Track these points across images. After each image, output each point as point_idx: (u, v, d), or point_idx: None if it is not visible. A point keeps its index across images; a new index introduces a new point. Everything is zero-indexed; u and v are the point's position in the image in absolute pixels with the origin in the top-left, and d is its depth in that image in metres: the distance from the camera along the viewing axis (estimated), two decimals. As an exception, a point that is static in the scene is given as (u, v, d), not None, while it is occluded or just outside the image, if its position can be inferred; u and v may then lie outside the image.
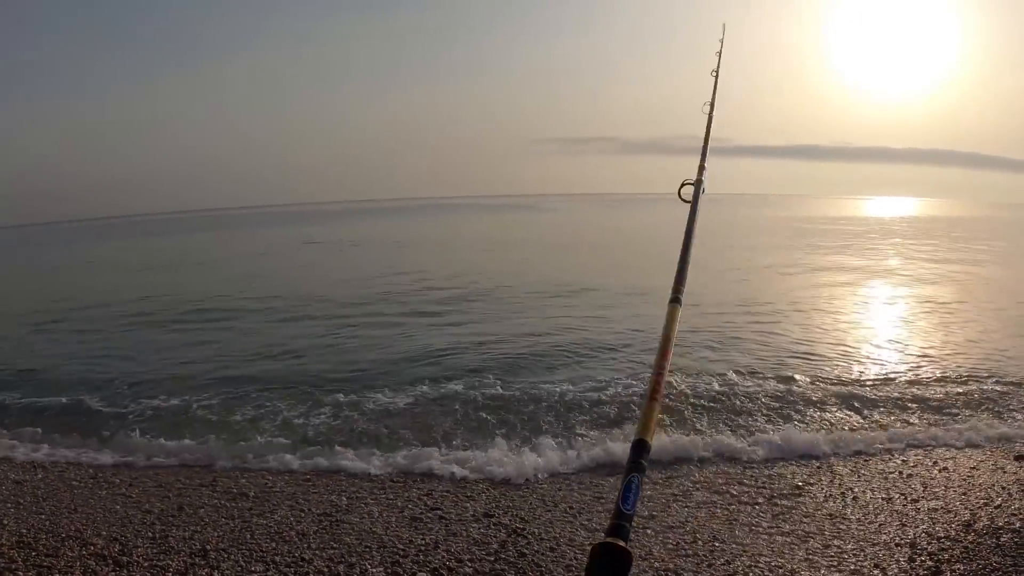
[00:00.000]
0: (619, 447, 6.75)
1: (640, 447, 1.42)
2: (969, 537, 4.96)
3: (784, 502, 5.74)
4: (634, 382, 9.16)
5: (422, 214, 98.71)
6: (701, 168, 2.88)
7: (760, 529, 5.22)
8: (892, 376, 9.63)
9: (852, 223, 58.15)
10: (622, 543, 1.21)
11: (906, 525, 5.21)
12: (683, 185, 2.60)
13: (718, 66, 3.89)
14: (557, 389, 8.92)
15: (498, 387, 9.28)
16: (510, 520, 5.52)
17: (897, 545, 4.89)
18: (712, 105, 3.47)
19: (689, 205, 2.54)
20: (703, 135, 3.16)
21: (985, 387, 8.93)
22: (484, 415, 8.21)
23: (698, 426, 7.61)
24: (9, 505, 6.24)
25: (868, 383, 9.32)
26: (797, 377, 9.51)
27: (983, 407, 8.19)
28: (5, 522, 5.84)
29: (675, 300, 1.92)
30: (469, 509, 5.79)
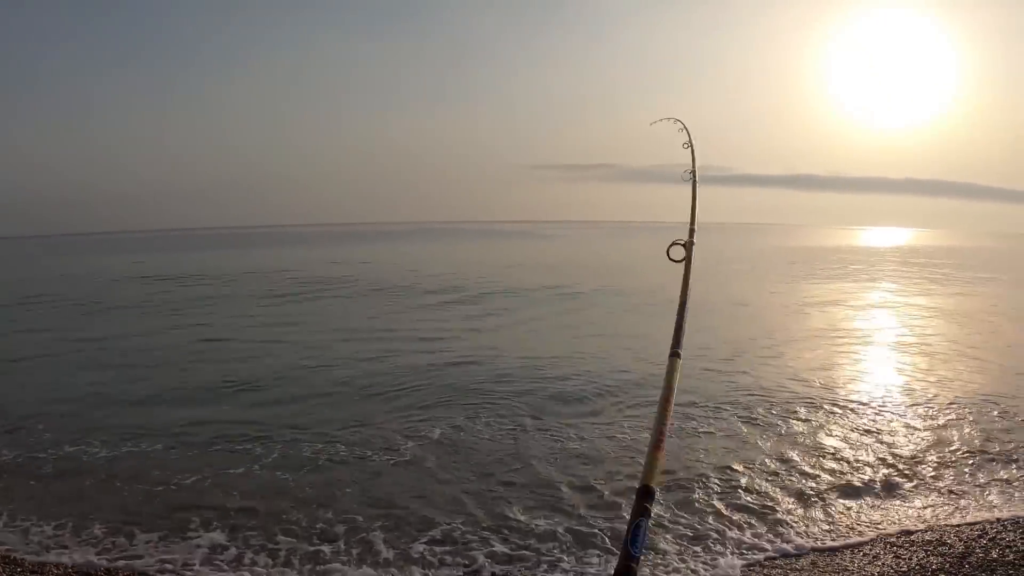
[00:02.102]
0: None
1: (646, 493, 1.47)
2: (964, 570, 4.93)
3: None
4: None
5: (424, 238, 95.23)
6: (691, 231, 3.07)
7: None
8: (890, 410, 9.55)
9: (869, 255, 53.08)
10: None
11: (900, 558, 5.19)
12: (672, 245, 2.69)
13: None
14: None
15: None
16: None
17: (892, 578, 4.86)
18: (694, 173, 3.96)
19: (681, 265, 2.66)
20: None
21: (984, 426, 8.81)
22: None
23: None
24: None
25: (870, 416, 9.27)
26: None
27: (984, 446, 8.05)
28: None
29: (675, 354, 2.04)
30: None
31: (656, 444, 1.62)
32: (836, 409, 9.27)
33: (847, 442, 7.98)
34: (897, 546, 5.38)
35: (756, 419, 8.76)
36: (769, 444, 7.85)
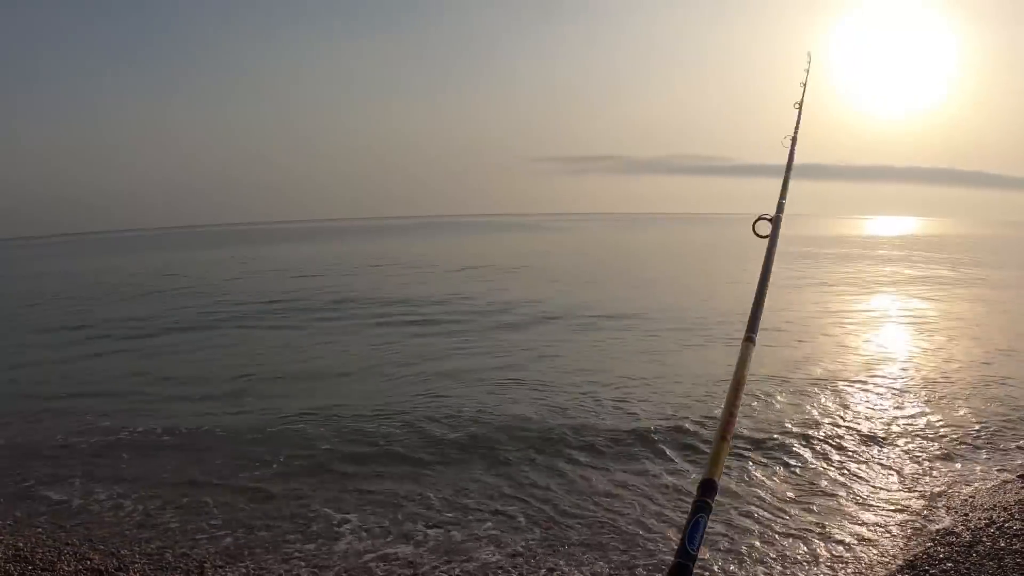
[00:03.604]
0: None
1: (708, 486, 1.40)
2: (971, 559, 4.91)
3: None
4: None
5: (436, 233, 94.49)
6: (780, 205, 2.78)
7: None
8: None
9: (890, 245, 51.23)
10: None
11: (907, 547, 5.17)
12: (759, 220, 2.48)
13: (803, 97, 3.76)
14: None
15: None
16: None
17: (899, 569, 4.84)
18: (794, 139, 3.38)
19: (766, 240, 2.44)
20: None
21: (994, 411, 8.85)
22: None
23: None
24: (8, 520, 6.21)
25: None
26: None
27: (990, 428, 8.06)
28: (1, 536, 5.81)
29: (749, 339, 1.87)
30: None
31: (722, 435, 1.52)
32: (838, 392, 9.29)
33: (851, 427, 8.01)
34: (904, 536, 5.37)
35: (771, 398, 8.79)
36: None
